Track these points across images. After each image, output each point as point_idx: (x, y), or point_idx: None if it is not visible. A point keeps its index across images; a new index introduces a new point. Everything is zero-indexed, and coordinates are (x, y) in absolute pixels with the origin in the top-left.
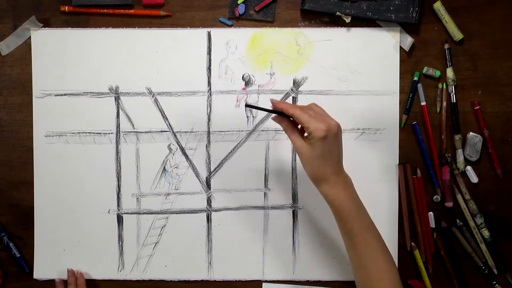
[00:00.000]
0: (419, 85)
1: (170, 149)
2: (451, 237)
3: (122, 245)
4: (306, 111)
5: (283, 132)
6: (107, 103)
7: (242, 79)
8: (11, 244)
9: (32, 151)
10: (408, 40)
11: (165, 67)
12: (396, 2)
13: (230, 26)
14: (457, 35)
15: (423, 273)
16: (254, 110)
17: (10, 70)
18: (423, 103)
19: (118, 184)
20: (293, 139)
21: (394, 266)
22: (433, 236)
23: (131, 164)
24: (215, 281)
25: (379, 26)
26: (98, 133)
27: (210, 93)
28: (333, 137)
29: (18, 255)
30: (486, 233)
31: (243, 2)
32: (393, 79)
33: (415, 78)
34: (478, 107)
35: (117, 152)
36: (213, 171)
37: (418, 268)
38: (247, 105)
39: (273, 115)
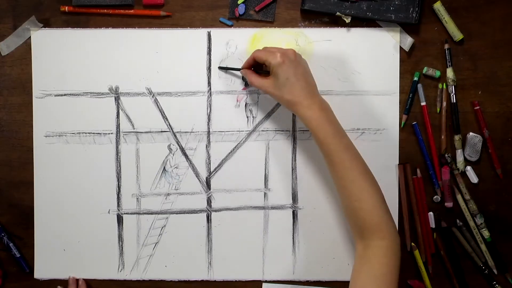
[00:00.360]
0: (419, 85)
1: (170, 149)
2: (451, 237)
3: (122, 245)
4: (264, 50)
5: (283, 132)
6: (107, 103)
7: (242, 79)
8: (11, 244)
9: (32, 151)
10: (408, 40)
11: (165, 67)
12: (396, 2)
13: (230, 26)
14: (457, 35)
15: (423, 273)
16: (254, 110)
17: (10, 70)
18: (423, 103)
19: (118, 184)
20: (258, 82)
21: (373, 185)
22: (433, 236)
23: (131, 164)
24: (215, 281)
25: (379, 26)
26: (98, 133)
27: (210, 93)
28: (291, 61)
29: (18, 255)
30: (486, 233)
31: (243, 2)
32: (393, 79)
33: (415, 78)
34: (478, 107)
35: (117, 152)
36: (213, 171)
37: (418, 268)
38: (219, 68)
39: (243, 71)
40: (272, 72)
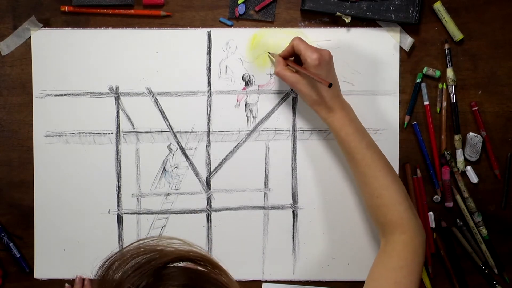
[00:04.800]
0: (423, 85)
1: (170, 149)
2: (451, 237)
3: (122, 245)
4: (303, 42)
5: (283, 132)
6: (107, 103)
7: (242, 79)
8: (11, 244)
9: (32, 151)
10: (408, 40)
11: (165, 67)
12: (396, 2)
13: (230, 26)
14: (457, 35)
15: (423, 273)
16: (254, 110)
17: (10, 70)
18: (426, 103)
19: (118, 184)
20: (288, 75)
21: (395, 182)
22: (433, 236)
23: (131, 164)
24: None
25: (379, 26)
26: (98, 133)
27: (210, 93)
28: (326, 64)
29: (18, 255)
30: (484, 231)
31: (243, 2)
32: (393, 79)
33: (418, 80)
34: (476, 107)
35: (117, 152)
36: (213, 171)
37: None
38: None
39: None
40: (305, 70)
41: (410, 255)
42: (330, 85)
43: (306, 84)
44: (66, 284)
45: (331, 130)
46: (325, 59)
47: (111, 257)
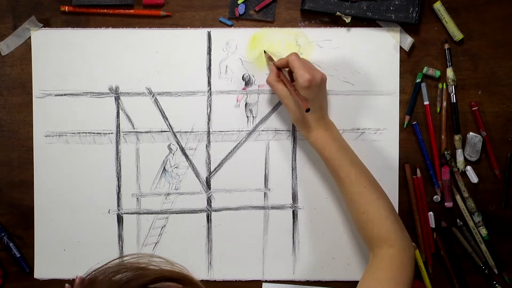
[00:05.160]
0: (423, 84)
1: (170, 149)
2: (451, 237)
3: (122, 245)
4: (299, 61)
5: (283, 132)
6: (107, 103)
7: (242, 79)
8: (11, 244)
9: (32, 151)
10: (408, 40)
11: (165, 67)
12: (396, 2)
13: (230, 26)
14: (457, 35)
15: (423, 273)
16: (254, 110)
17: (10, 70)
18: (426, 103)
19: (118, 184)
20: (279, 87)
21: (380, 197)
22: (433, 236)
23: (131, 164)
24: (215, 281)
25: (379, 26)
26: (98, 133)
27: (210, 93)
28: (316, 87)
29: (18, 255)
30: (484, 231)
31: (243, 2)
32: (393, 79)
33: (418, 80)
34: (476, 107)
35: (117, 152)
36: (213, 171)
37: (417, 268)
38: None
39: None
40: (295, 87)
41: (398, 267)
42: (307, 110)
43: (293, 101)
44: (66, 284)
45: (315, 149)
46: (316, 81)
47: (92, 272)
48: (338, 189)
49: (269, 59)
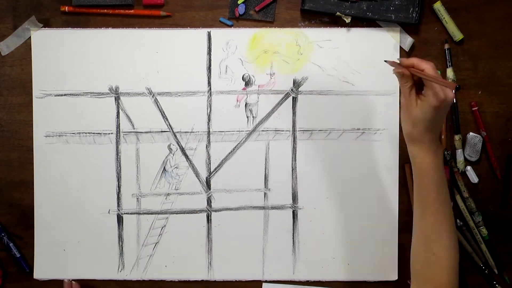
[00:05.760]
0: None
1: (170, 149)
2: None
3: (122, 245)
4: (436, 75)
5: (283, 132)
6: (107, 103)
7: (242, 79)
8: (11, 244)
9: (32, 151)
10: (408, 40)
11: (165, 67)
12: (396, 2)
13: (230, 26)
14: (457, 35)
15: None
16: (254, 110)
17: (10, 70)
18: None
19: (118, 184)
20: (407, 96)
21: (456, 247)
22: None
23: (131, 164)
24: (215, 281)
25: (379, 26)
26: (98, 133)
27: (210, 93)
28: (444, 109)
29: (18, 255)
30: (484, 231)
31: (243, 2)
32: (393, 79)
33: None
34: (476, 108)
35: (117, 152)
36: (213, 171)
37: None
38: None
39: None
40: (421, 102)
41: None
42: (458, 88)
43: (415, 114)
44: (65, 280)
45: (414, 167)
46: (447, 103)
47: None
48: (415, 218)
49: (393, 64)
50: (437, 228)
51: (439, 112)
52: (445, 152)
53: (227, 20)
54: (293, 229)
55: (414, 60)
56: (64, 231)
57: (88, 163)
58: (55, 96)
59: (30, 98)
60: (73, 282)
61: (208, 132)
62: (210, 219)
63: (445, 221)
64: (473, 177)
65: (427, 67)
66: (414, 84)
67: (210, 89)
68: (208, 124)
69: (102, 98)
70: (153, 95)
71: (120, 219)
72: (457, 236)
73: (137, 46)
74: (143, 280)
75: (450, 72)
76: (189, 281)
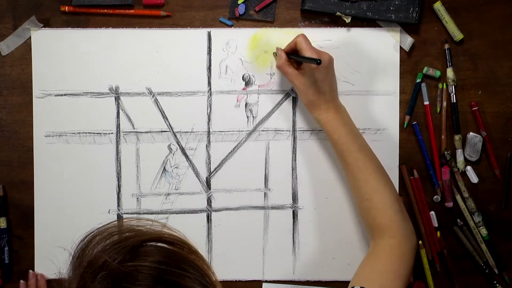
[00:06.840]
0: (423, 85)
1: (170, 149)
2: (454, 236)
3: None
4: (307, 42)
5: (283, 132)
6: (107, 103)
7: (242, 79)
8: (6, 249)
9: (32, 151)
10: (408, 40)
11: (165, 67)
12: (396, 2)
13: (230, 26)
14: (457, 35)
15: (426, 271)
16: (254, 110)
17: (10, 70)
18: (426, 103)
19: (118, 184)
20: (289, 71)
21: (386, 185)
22: (437, 235)
23: (131, 164)
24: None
25: (379, 26)
26: (98, 133)
27: (210, 93)
28: (324, 68)
29: (7, 261)
30: (484, 231)
31: (243, 2)
32: (393, 79)
33: (418, 80)
34: (476, 107)
35: (117, 152)
36: (213, 171)
37: (418, 268)
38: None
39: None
40: (305, 69)
41: (398, 259)
42: (318, 62)
43: (304, 82)
44: (21, 281)
45: (324, 131)
46: (324, 63)
47: (92, 232)
48: (344, 174)
49: (277, 49)
50: (362, 175)
51: (321, 74)
52: (445, 152)
53: (227, 20)
54: (293, 229)
55: (290, 45)
56: (64, 231)
57: (88, 163)
58: (55, 96)
59: (30, 98)
60: (40, 273)
61: (208, 132)
62: (210, 219)
63: (365, 165)
64: (473, 177)
65: (298, 40)
66: (288, 57)
67: (210, 89)
68: (208, 124)
69: (102, 98)
70: (153, 95)
71: (120, 219)
72: (386, 175)
73: (137, 46)
74: None
75: (450, 72)
76: None
